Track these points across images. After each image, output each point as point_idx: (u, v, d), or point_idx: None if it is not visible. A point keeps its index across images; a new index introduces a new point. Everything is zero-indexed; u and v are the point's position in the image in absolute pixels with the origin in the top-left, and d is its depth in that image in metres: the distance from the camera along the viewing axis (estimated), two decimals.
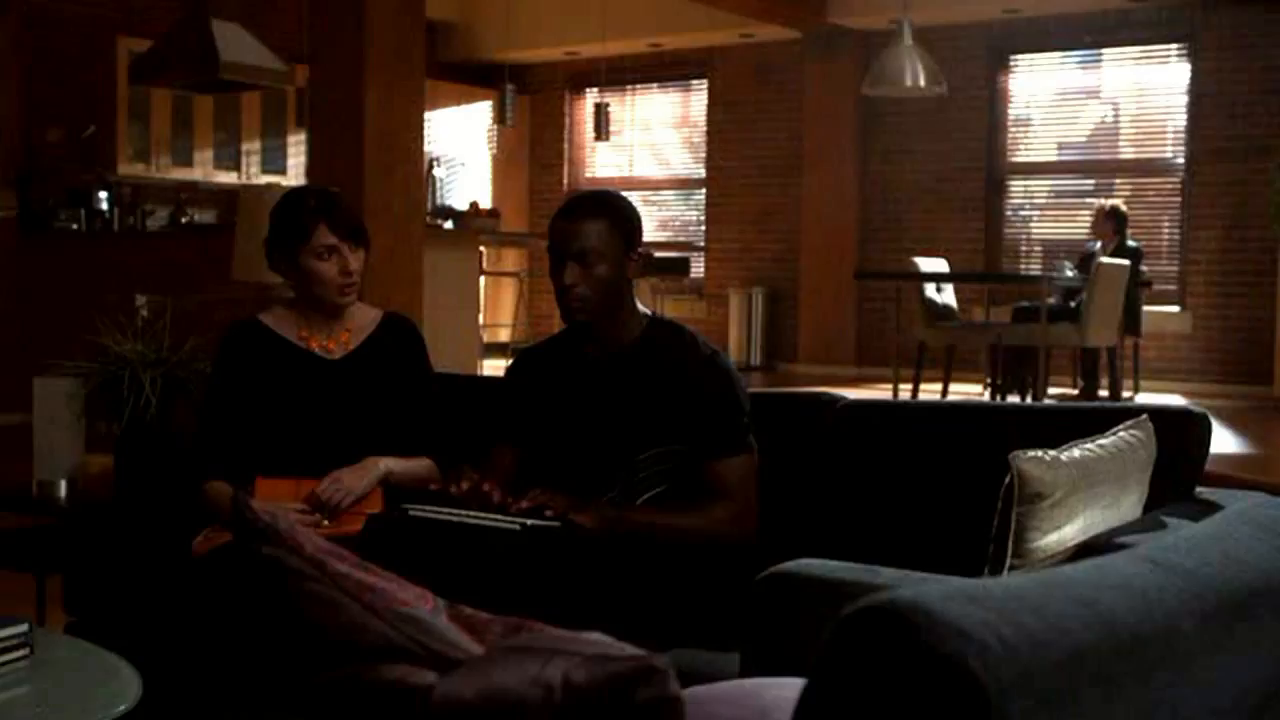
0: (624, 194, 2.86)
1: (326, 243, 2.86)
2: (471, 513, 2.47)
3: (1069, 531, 2.20)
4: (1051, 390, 8.97)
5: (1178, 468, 2.48)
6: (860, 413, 2.83)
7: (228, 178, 10.33)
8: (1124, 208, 9.05)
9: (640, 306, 2.76)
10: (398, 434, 2.92)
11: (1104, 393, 8.61)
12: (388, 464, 2.84)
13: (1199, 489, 2.53)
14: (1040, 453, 2.20)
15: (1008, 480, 2.20)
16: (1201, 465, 2.53)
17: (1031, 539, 2.20)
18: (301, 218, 2.87)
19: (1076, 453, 2.24)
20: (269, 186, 8.33)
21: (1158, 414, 2.47)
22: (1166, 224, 10.38)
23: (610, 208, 2.69)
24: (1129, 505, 2.33)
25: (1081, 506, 2.22)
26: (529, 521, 2.40)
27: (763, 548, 2.56)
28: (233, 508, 1.23)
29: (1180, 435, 2.50)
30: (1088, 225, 9.47)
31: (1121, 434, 2.36)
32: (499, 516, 2.43)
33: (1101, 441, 2.32)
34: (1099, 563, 1.15)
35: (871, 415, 2.85)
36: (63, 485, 3.44)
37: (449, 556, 2.45)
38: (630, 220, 2.70)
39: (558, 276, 2.65)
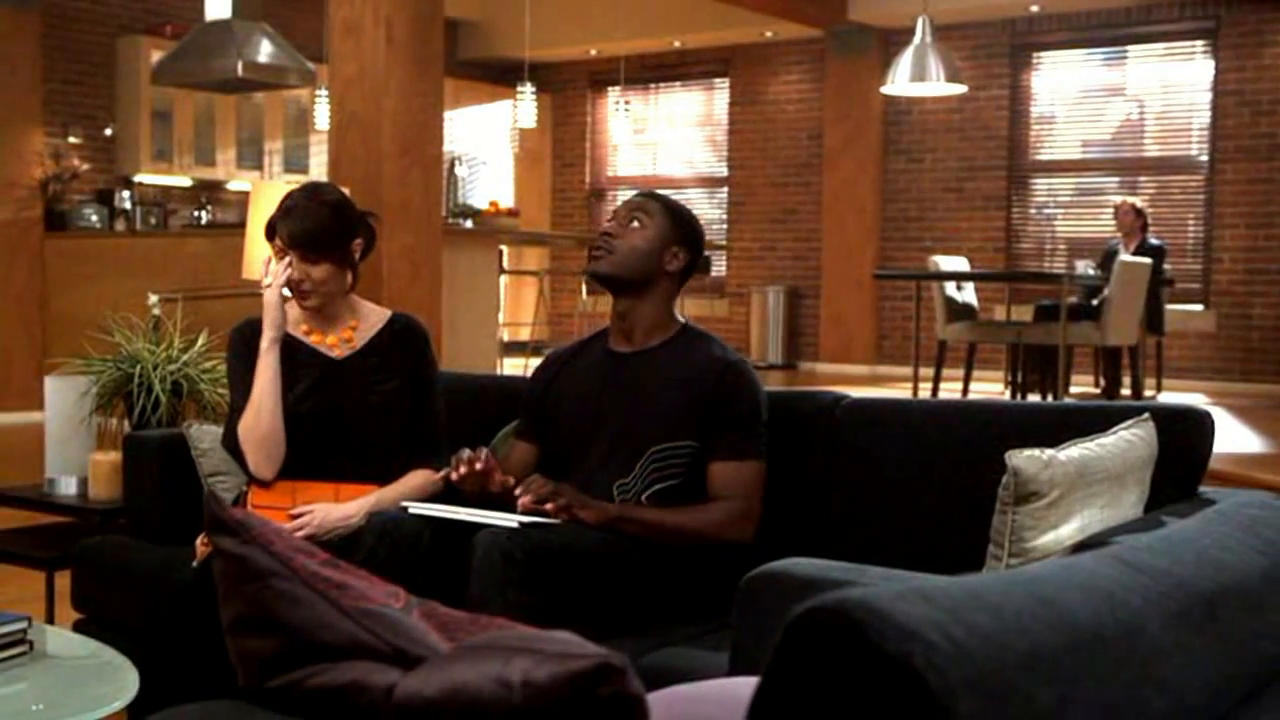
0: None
1: (280, 245, 2.88)
2: (470, 510, 2.47)
3: (1065, 531, 2.18)
4: (1074, 389, 8.92)
5: (1181, 467, 2.46)
6: (862, 412, 2.82)
7: (250, 178, 10.38)
8: (1141, 204, 9.00)
9: (678, 315, 2.81)
10: (399, 436, 2.92)
11: (1126, 391, 8.56)
12: (365, 513, 2.76)
13: (1203, 488, 2.52)
14: (1037, 451, 2.19)
15: (1004, 479, 2.18)
16: (1204, 464, 2.50)
17: (1028, 538, 2.18)
18: (273, 215, 2.89)
19: (1074, 451, 2.23)
20: (279, 184, 8.36)
21: (1160, 413, 2.45)
22: (1191, 222, 10.31)
23: (675, 205, 2.81)
24: (1129, 505, 2.31)
25: (1079, 506, 2.20)
26: (526, 519, 2.40)
27: (763, 547, 2.55)
28: (205, 505, 1.24)
29: (1184, 434, 2.48)
30: (1111, 223, 9.41)
31: (1122, 433, 2.34)
32: (497, 514, 2.43)
33: (1101, 440, 2.30)
34: (1066, 562, 1.14)
35: (874, 414, 2.83)
36: (73, 483, 3.46)
37: (448, 552, 2.46)
38: (690, 225, 2.80)
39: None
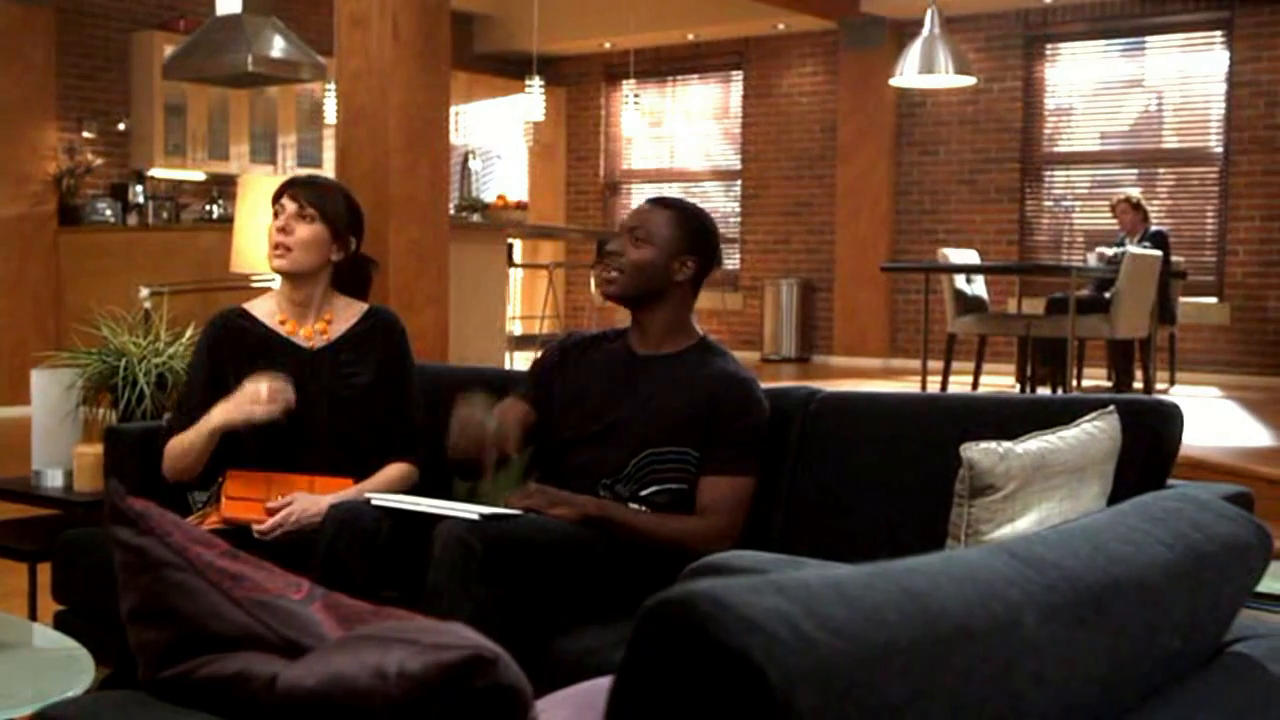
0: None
1: (280, 204, 2.93)
2: (432, 501, 2.48)
3: (1023, 524, 2.17)
4: (1087, 382, 8.87)
5: (1147, 459, 2.44)
6: (835, 406, 2.81)
7: (264, 172, 10.42)
8: (1137, 197, 8.94)
9: (697, 327, 2.81)
10: (374, 429, 2.92)
11: (1138, 385, 8.50)
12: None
13: (1182, 481, 2.50)
14: (993, 444, 2.18)
15: (960, 471, 2.18)
16: (1172, 457, 2.48)
17: (984, 531, 2.17)
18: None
19: (1033, 444, 2.22)
20: (270, 177, 8.38)
21: (1128, 406, 2.43)
22: (1209, 214, 10.22)
23: (685, 209, 2.76)
24: (1089, 498, 2.30)
25: (1036, 499, 2.19)
26: (487, 510, 2.41)
27: (740, 542, 2.57)
28: (105, 497, 1.24)
29: (1150, 426, 2.46)
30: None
31: (1084, 425, 2.33)
32: (458, 505, 2.44)
33: (1063, 433, 2.29)
34: (951, 555, 1.13)
35: (847, 408, 2.82)
36: (59, 475, 3.49)
37: (411, 544, 2.47)
38: (699, 231, 2.75)
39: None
